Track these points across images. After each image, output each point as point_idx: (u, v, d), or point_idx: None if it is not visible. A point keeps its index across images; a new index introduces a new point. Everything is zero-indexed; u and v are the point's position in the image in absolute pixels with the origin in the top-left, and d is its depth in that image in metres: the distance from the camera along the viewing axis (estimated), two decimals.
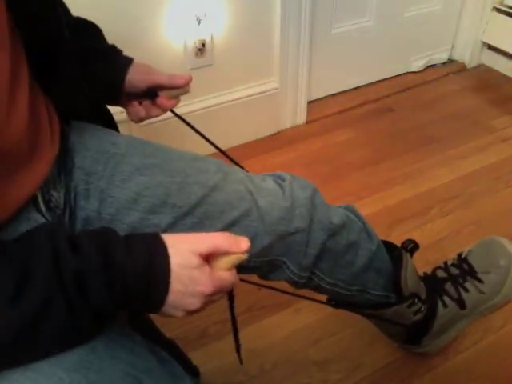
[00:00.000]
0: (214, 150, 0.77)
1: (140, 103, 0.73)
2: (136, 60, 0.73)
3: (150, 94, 0.72)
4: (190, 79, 0.72)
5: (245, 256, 0.50)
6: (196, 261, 0.47)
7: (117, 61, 0.70)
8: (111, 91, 0.70)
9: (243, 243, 0.50)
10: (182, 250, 0.47)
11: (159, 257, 0.46)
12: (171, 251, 0.46)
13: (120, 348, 0.48)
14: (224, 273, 0.49)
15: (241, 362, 0.65)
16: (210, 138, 0.77)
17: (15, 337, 0.40)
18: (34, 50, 0.55)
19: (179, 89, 0.73)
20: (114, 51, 0.72)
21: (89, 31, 0.71)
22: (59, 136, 0.60)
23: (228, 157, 0.75)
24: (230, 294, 0.56)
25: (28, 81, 0.53)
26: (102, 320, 0.45)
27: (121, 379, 0.45)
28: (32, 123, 0.53)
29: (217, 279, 0.48)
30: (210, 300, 0.49)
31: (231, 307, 0.57)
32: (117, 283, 0.44)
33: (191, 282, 0.46)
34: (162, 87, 0.71)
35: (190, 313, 0.49)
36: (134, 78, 0.70)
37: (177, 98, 0.74)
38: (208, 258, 0.48)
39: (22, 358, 0.42)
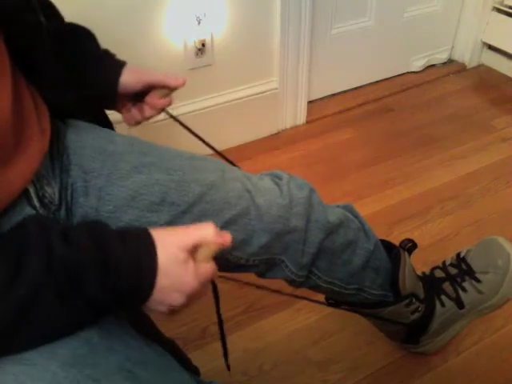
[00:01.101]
0: (211, 151, 0.77)
1: (133, 106, 0.74)
2: (135, 59, 0.73)
3: (140, 93, 0.72)
4: (184, 83, 0.72)
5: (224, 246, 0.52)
6: (182, 256, 0.47)
7: (110, 64, 0.71)
8: (106, 94, 0.71)
9: (227, 236, 0.51)
10: (171, 244, 0.47)
11: (147, 253, 0.46)
12: (159, 246, 0.47)
13: (115, 341, 0.48)
14: (206, 265, 0.50)
15: (228, 368, 0.67)
16: (210, 138, 0.77)
17: (7, 323, 0.41)
18: (13, 42, 0.55)
19: (166, 89, 0.73)
20: (107, 55, 0.73)
21: (82, 37, 0.71)
22: (50, 132, 0.60)
23: (223, 156, 0.75)
24: (214, 284, 0.57)
25: (10, 73, 0.53)
26: (97, 311, 0.46)
27: (116, 372, 0.45)
28: (16, 113, 0.53)
29: (201, 273, 0.49)
30: (194, 296, 0.49)
31: (215, 296, 0.58)
32: (110, 275, 0.44)
33: (177, 277, 0.47)
34: (155, 87, 0.72)
35: (173, 310, 0.49)
36: (128, 79, 0.70)
37: (168, 96, 0.73)
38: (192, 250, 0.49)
39: (14, 344, 0.43)
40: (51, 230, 0.44)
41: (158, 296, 0.47)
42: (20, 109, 0.55)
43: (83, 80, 0.68)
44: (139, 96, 0.73)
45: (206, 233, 0.50)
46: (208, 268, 0.50)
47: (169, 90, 0.73)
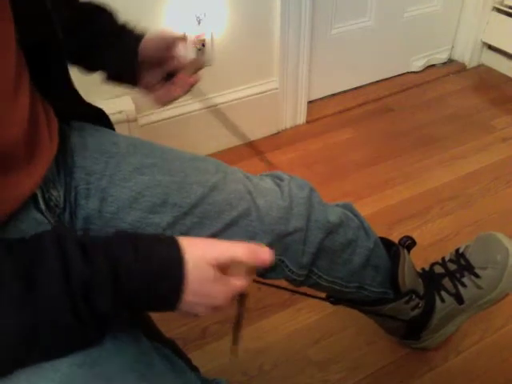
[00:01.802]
0: (212, 151, 0.77)
1: (162, 86, 0.73)
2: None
3: (168, 74, 0.72)
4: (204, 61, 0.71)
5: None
6: (212, 274, 0.46)
7: (128, 36, 0.70)
8: (126, 66, 0.69)
9: (264, 254, 0.48)
10: (200, 261, 0.45)
11: (174, 269, 0.44)
12: (188, 260, 0.45)
13: (124, 343, 0.48)
14: (237, 281, 0.48)
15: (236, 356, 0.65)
16: (210, 138, 0.78)
17: (20, 339, 0.40)
18: (30, 51, 0.55)
19: (195, 64, 0.72)
20: (125, 29, 0.71)
21: (99, 14, 0.70)
22: (58, 136, 0.60)
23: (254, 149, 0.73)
24: (242, 295, 0.54)
25: (28, 82, 0.54)
26: (106, 325, 0.45)
27: (125, 374, 0.45)
28: (31, 124, 0.54)
29: (230, 290, 0.47)
30: (220, 309, 0.48)
31: (241, 305, 0.56)
32: (122, 292, 0.43)
33: (205, 295, 0.46)
34: (170, 49, 0.70)
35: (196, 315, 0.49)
36: (147, 46, 0.69)
37: (196, 74, 0.73)
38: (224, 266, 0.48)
39: (24, 360, 0.42)
40: (69, 243, 0.43)
41: (183, 308, 0.46)
42: (34, 119, 0.55)
43: (103, 56, 0.67)
44: (167, 76, 0.72)
45: (240, 253, 0.47)
46: (238, 285, 0.48)
47: (195, 65, 0.72)
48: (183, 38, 0.71)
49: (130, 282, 0.43)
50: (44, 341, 0.41)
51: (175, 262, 0.45)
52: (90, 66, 0.72)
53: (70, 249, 0.42)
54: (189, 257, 0.45)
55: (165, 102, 0.74)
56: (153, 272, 0.44)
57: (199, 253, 0.46)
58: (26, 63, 0.54)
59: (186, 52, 0.71)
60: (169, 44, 0.69)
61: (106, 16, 0.71)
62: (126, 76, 0.71)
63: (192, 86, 0.73)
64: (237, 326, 0.55)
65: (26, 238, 0.44)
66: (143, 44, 0.69)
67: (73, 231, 0.50)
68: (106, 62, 0.70)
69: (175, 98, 0.73)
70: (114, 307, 0.43)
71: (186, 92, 0.73)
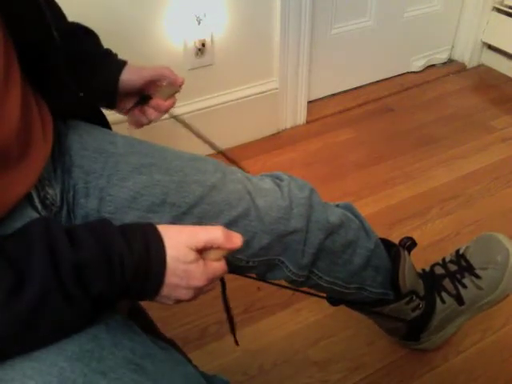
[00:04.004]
0: (211, 151, 0.78)
1: (138, 109, 0.75)
2: (135, 59, 0.73)
3: (144, 97, 0.74)
4: (182, 81, 0.74)
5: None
6: (192, 255, 0.48)
7: (111, 62, 0.72)
8: (107, 91, 0.71)
9: (237, 239, 0.51)
10: (179, 243, 0.48)
11: (155, 250, 0.47)
12: (168, 244, 0.47)
13: (121, 336, 0.48)
14: (216, 264, 0.50)
15: (236, 343, 0.67)
16: (210, 138, 0.78)
17: (15, 329, 0.41)
18: (24, 50, 0.55)
19: (170, 88, 0.74)
20: (109, 54, 0.74)
21: (84, 37, 0.72)
22: (52, 135, 0.60)
23: (227, 157, 0.76)
24: (222, 281, 0.57)
25: (20, 81, 0.54)
26: (101, 306, 0.47)
27: (123, 366, 0.45)
28: (23, 123, 0.53)
29: (210, 272, 0.50)
30: (201, 292, 0.50)
31: (223, 293, 0.59)
32: (115, 274, 0.45)
33: (186, 275, 0.48)
34: (155, 83, 0.73)
35: (179, 301, 0.51)
36: (129, 76, 0.71)
37: (172, 97, 0.75)
38: (201, 250, 0.50)
39: (20, 349, 0.43)
40: (55, 231, 0.44)
41: (165, 292, 0.48)
42: (27, 117, 0.55)
43: (84, 79, 0.68)
44: (143, 100, 0.74)
45: (215, 237, 0.50)
46: (218, 266, 0.51)
47: (170, 90, 0.74)
48: (168, 71, 0.73)
49: (122, 265, 0.45)
50: (41, 329, 0.42)
51: (157, 245, 0.47)
52: None
53: (57, 237, 0.44)
54: (168, 238, 0.48)
55: (141, 124, 0.76)
56: (140, 256, 0.46)
57: (179, 238, 0.48)
58: (17, 62, 0.54)
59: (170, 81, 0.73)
60: (153, 77, 0.72)
61: (92, 39, 0.73)
62: (106, 100, 0.73)
63: (168, 109, 0.75)
64: (228, 312, 0.59)
65: (13, 232, 0.45)
66: (125, 74, 0.71)
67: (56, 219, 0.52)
68: (87, 83, 0.69)
69: (152, 121, 0.75)
70: (108, 287, 0.45)
71: (162, 115, 0.75)
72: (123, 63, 0.72)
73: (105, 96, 0.72)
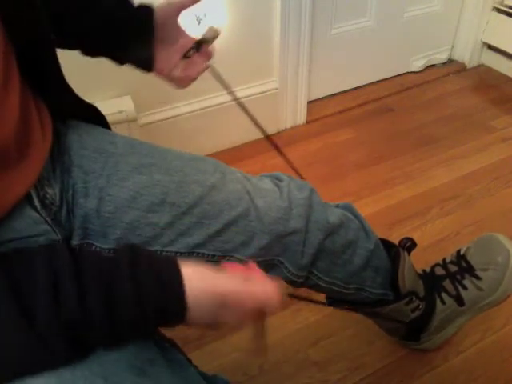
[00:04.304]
0: (211, 151, 0.77)
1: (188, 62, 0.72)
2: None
3: (198, 42, 0.72)
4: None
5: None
6: (218, 301, 0.47)
7: (140, 14, 0.68)
8: (144, 31, 0.67)
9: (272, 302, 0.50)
10: (201, 295, 0.46)
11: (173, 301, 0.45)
12: (190, 298, 0.45)
13: None
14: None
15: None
16: (210, 138, 0.78)
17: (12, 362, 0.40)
18: (22, 51, 0.55)
19: (212, 31, 0.73)
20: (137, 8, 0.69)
21: None
22: (51, 135, 0.60)
23: (272, 143, 0.73)
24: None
25: (18, 83, 0.53)
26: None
27: (125, 370, 0.45)
28: (22, 123, 0.53)
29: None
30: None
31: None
32: (119, 336, 0.44)
33: (212, 318, 0.48)
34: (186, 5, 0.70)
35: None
36: (161, 13, 0.68)
37: (211, 42, 0.73)
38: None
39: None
40: (61, 271, 0.43)
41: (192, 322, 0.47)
42: (26, 118, 0.55)
43: (118, 28, 0.65)
44: (198, 46, 0.72)
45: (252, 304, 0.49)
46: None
47: (215, 33, 0.73)
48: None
49: (124, 319, 0.43)
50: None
51: (175, 293, 0.45)
52: (94, 51, 0.69)
53: (62, 283, 0.42)
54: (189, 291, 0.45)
55: (190, 80, 0.74)
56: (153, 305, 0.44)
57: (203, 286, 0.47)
58: (16, 62, 0.54)
59: (187, 19, 0.70)
60: (179, 8, 0.69)
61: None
62: (141, 62, 0.70)
63: (209, 59, 0.73)
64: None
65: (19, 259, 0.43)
66: (157, 13, 0.67)
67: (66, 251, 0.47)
68: (117, 47, 0.67)
69: (201, 72, 0.73)
70: (106, 343, 0.44)
71: (204, 69, 0.73)
72: (151, 10, 0.67)
73: (140, 57, 0.69)
